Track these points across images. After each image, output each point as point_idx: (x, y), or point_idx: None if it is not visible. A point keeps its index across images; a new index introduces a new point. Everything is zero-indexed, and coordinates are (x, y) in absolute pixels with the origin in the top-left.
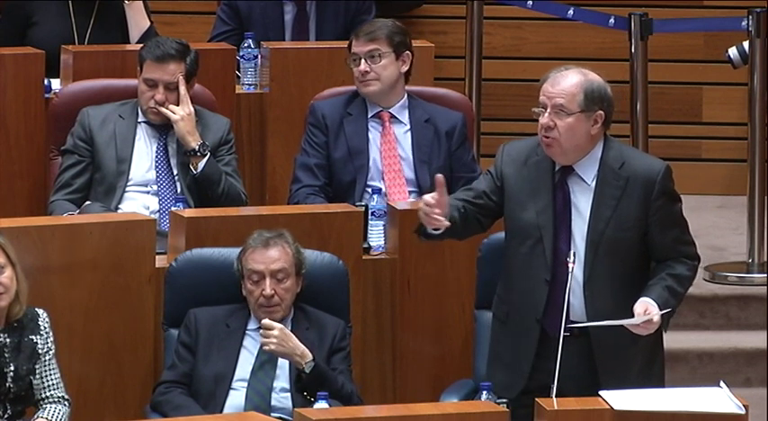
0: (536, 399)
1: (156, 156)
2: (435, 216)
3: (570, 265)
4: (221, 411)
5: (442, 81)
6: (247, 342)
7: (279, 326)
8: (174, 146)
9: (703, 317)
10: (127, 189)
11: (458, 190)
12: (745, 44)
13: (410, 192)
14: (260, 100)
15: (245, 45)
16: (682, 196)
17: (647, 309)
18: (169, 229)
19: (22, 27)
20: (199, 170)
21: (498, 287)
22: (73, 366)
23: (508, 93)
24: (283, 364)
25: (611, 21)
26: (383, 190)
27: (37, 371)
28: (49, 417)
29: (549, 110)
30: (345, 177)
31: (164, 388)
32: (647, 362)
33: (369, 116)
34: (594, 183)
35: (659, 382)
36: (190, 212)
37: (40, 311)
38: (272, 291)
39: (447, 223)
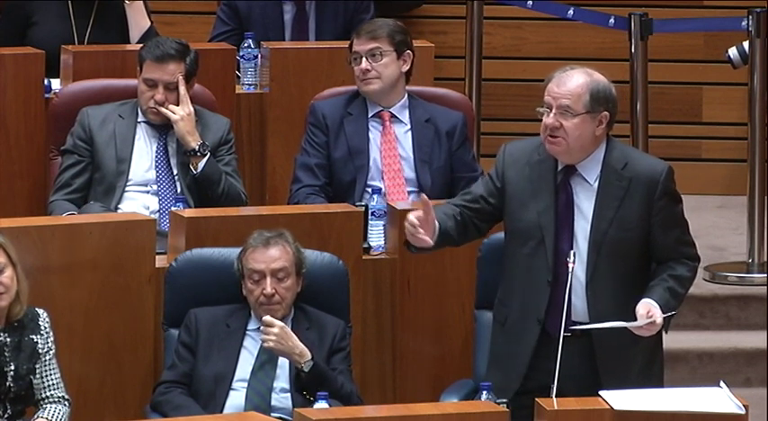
0: (536, 399)
1: (156, 156)
2: (421, 236)
3: (570, 265)
4: (221, 411)
5: (441, 81)
6: (247, 342)
7: (280, 324)
8: (173, 146)
9: (703, 317)
10: (127, 189)
11: (457, 191)
12: (745, 44)
13: (410, 192)
14: (260, 100)
15: (245, 45)
16: (682, 196)
17: (649, 311)
18: (169, 229)
19: (22, 27)
20: (199, 170)
21: (499, 290)
22: (73, 366)
23: (508, 93)
24: (283, 364)
25: (611, 21)
26: (383, 190)
27: (37, 371)
28: (49, 417)
29: (554, 110)
30: (345, 177)
31: (164, 388)
32: (648, 363)
33: (369, 116)
34: (597, 183)
35: (659, 382)
36: (190, 212)
37: (41, 311)
38: (273, 290)
39: (431, 243)
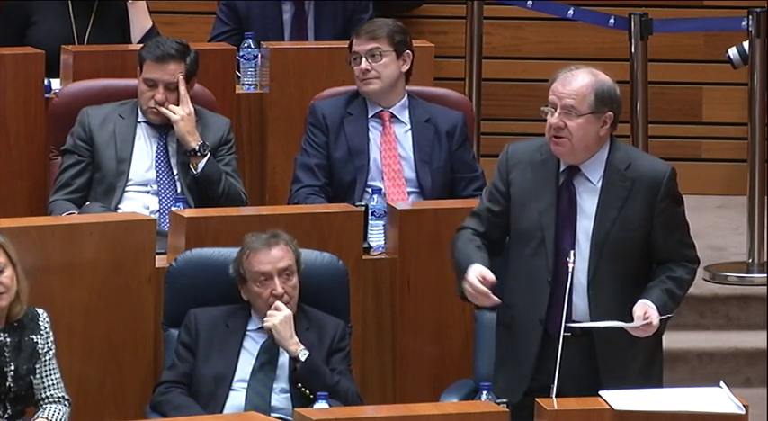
0: (536, 399)
1: (156, 156)
2: (492, 298)
3: (570, 265)
4: (221, 411)
5: (441, 81)
6: (247, 342)
7: (288, 312)
8: (174, 146)
9: (703, 317)
10: (127, 189)
11: (457, 191)
12: (745, 44)
13: (410, 192)
14: (260, 100)
15: (245, 45)
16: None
17: (646, 312)
18: (169, 229)
19: (22, 27)
20: (199, 170)
21: (503, 293)
22: (73, 366)
23: (508, 93)
24: (283, 365)
25: (611, 21)
26: (383, 190)
27: (37, 371)
28: (49, 417)
29: (558, 110)
30: (345, 177)
31: (164, 388)
32: (647, 363)
33: (369, 116)
34: (600, 183)
35: (658, 383)
36: (190, 212)
37: (41, 311)
38: (283, 290)
39: (498, 301)
